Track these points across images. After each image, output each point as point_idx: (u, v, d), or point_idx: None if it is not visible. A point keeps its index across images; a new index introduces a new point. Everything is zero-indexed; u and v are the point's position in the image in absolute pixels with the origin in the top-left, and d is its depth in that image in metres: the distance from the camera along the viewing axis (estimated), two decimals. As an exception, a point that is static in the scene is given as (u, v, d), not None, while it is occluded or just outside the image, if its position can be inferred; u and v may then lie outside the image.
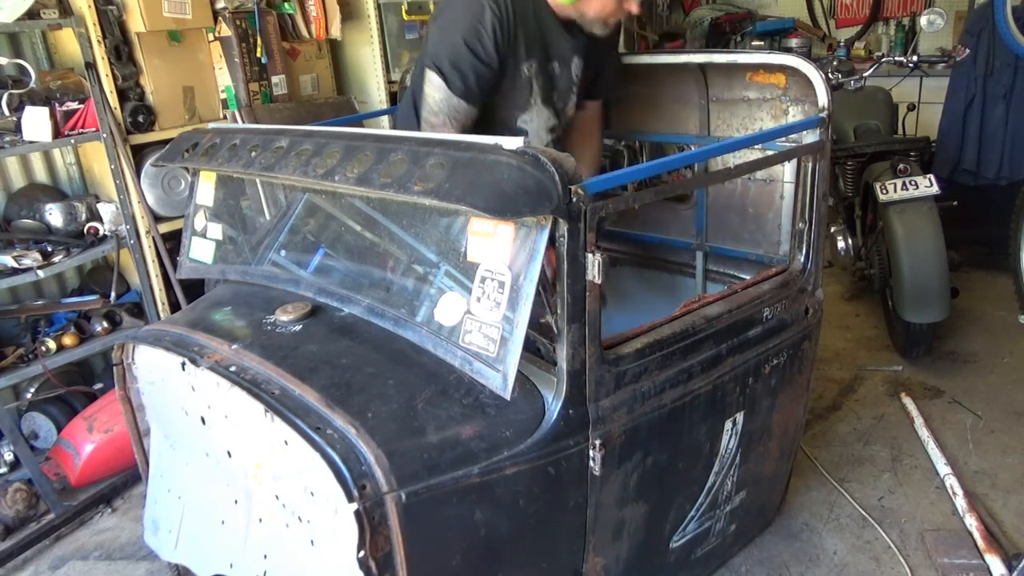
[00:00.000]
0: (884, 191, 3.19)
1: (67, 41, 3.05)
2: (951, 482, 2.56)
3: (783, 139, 2.30)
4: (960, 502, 2.47)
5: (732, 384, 1.88)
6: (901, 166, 3.25)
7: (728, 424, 1.92)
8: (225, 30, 3.32)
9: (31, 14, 2.81)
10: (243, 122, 3.33)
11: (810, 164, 1.96)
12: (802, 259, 2.04)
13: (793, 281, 2.01)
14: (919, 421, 2.94)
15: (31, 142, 2.86)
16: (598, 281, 1.46)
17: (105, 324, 3.11)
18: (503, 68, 2.08)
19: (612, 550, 1.74)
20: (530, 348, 1.63)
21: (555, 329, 1.50)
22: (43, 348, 2.92)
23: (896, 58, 3.21)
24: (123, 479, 2.93)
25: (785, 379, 2.05)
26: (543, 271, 1.42)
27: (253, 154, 1.83)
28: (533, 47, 2.10)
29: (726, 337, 1.83)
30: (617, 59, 2.45)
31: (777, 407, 2.07)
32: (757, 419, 2.01)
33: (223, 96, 3.44)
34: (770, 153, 2.33)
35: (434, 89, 2.04)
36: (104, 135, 3.00)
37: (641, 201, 1.68)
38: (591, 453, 1.56)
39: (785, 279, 2.01)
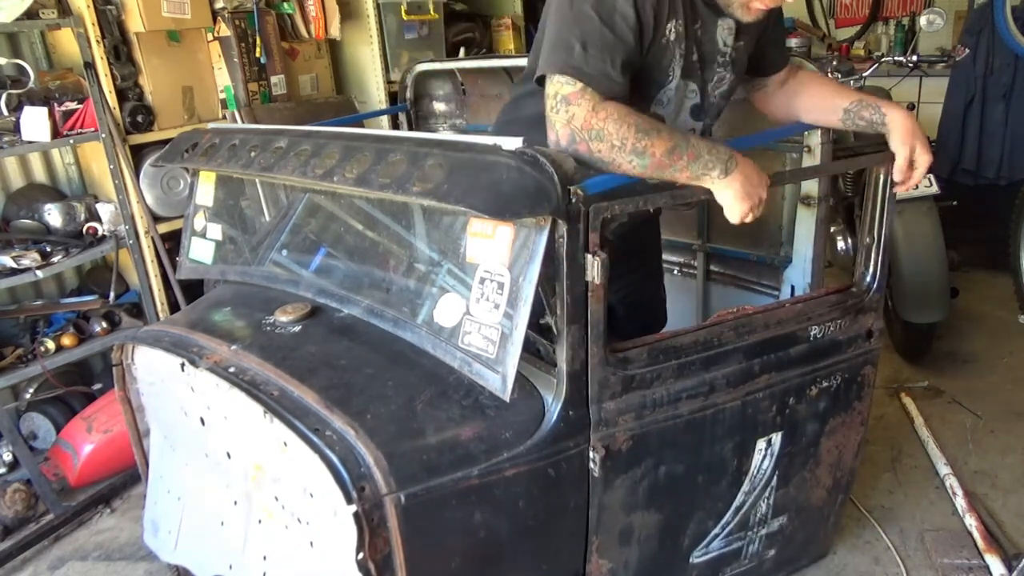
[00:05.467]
0: (884, 191, 3.18)
1: (66, 41, 3.05)
2: (951, 482, 2.56)
3: (785, 140, 2.30)
4: (960, 502, 2.47)
5: (767, 402, 1.78)
6: (901, 166, 3.25)
7: (761, 443, 1.83)
8: (224, 30, 3.32)
9: (30, 14, 2.80)
10: (242, 122, 3.33)
11: (882, 175, 1.85)
12: (868, 278, 1.91)
13: (854, 300, 1.88)
14: (919, 421, 2.94)
15: (30, 142, 2.85)
16: (598, 282, 1.45)
17: (104, 324, 3.11)
18: (652, 31, 1.59)
19: (619, 554, 1.72)
20: (530, 349, 1.62)
21: (555, 330, 1.50)
22: (42, 348, 2.91)
23: (896, 58, 3.21)
24: (122, 480, 2.93)
25: (838, 404, 1.93)
26: (541, 272, 1.41)
27: (252, 154, 1.82)
28: (677, 2, 1.62)
29: (760, 352, 1.74)
30: (782, 32, 2.01)
31: (827, 433, 1.95)
32: (800, 442, 1.90)
33: (222, 96, 3.43)
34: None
35: (573, 105, 1.50)
36: (103, 135, 3.00)
37: (656, 204, 1.60)
38: (591, 455, 1.55)
39: (842, 297, 1.88)
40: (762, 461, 1.85)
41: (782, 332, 1.77)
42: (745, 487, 1.86)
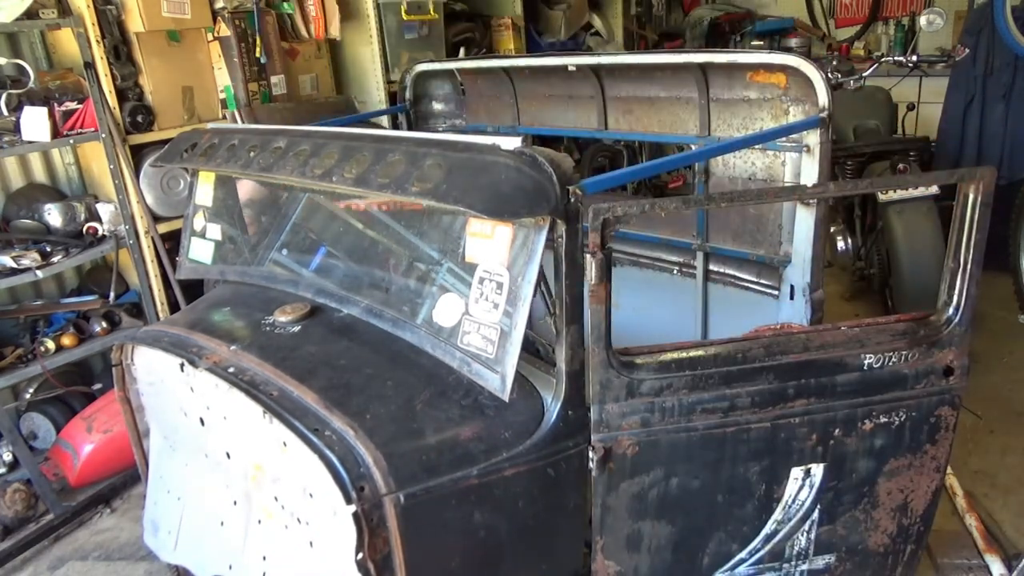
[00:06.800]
0: (884, 191, 3.18)
1: (66, 41, 3.05)
2: (951, 482, 2.56)
3: (785, 139, 2.30)
4: (960, 502, 2.47)
5: (805, 430, 1.66)
6: (901, 166, 3.25)
7: (797, 472, 1.70)
8: (224, 30, 3.32)
9: (30, 14, 2.81)
10: (242, 122, 3.33)
11: (971, 194, 1.74)
12: (951, 309, 1.70)
13: (928, 332, 1.69)
14: (919, 421, 2.94)
15: (30, 142, 2.85)
16: (595, 283, 1.45)
17: (104, 324, 3.11)
18: None
19: (628, 559, 1.69)
20: (530, 349, 1.62)
21: (555, 330, 1.50)
22: (42, 348, 2.91)
23: (896, 58, 3.21)
24: (122, 479, 2.93)
25: (902, 444, 1.74)
26: (541, 272, 1.41)
27: (252, 154, 1.83)
28: None
29: (796, 375, 1.62)
30: None
31: (887, 473, 1.77)
32: (848, 479, 1.75)
33: (222, 96, 3.43)
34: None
35: None
36: (103, 135, 3.00)
37: (665, 208, 1.57)
38: (589, 454, 1.55)
39: (912, 327, 1.69)
40: (798, 491, 1.73)
41: (825, 356, 1.62)
42: (777, 515, 1.75)
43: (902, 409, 1.71)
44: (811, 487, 1.73)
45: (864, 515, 1.82)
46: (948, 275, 1.71)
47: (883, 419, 1.70)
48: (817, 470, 1.71)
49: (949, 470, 2.60)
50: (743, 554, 1.78)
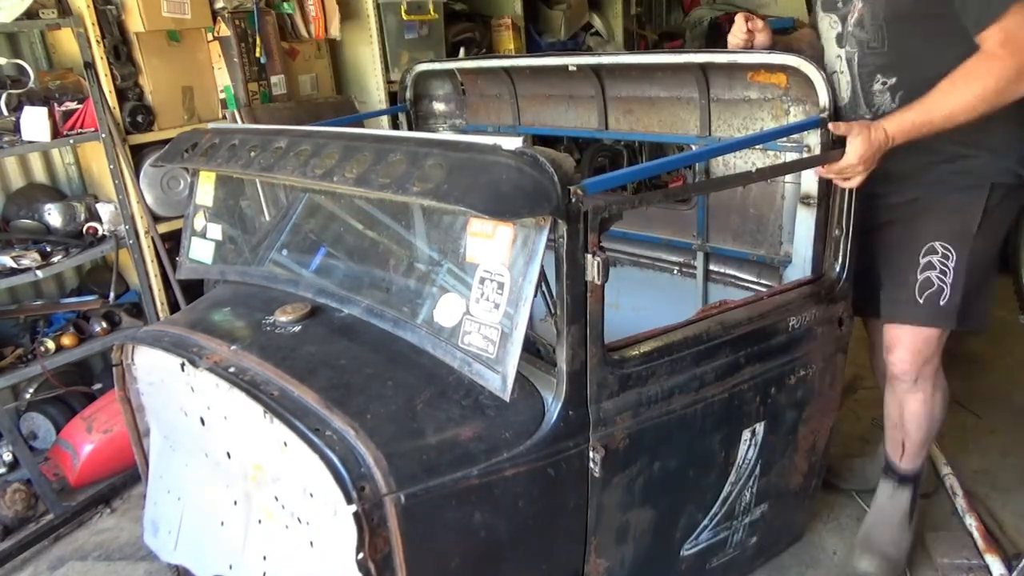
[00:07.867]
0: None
1: (66, 41, 3.05)
2: (951, 482, 2.56)
3: (785, 140, 2.30)
4: (960, 502, 2.46)
5: (751, 393, 1.84)
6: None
7: (746, 434, 1.88)
8: (224, 30, 3.32)
9: (30, 14, 2.80)
10: (242, 122, 3.33)
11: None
12: (837, 268, 1.99)
13: (826, 291, 1.96)
14: (919, 421, 2.93)
15: (30, 142, 2.85)
16: (598, 282, 1.45)
17: (104, 324, 3.11)
18: None
19: (616, 553, 1.73)
20: (530, 349, 1.62)
21: (555, 330, 1.50)
22: (42, 348, 2.91)
23: (896, 58, 3.20)
24: (122, 479, 2.93)
25: (814, 391, 2.00)
26: (542, 272, 1.42)
27: (252, 154, 1.83)
28: None
29: (745, 345, 1.79)
30: None
31: (803, 419, 2.02)
32: (780, 430, 1.96)
33: (222, 96, 3.43)
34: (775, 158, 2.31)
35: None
36: (103, 135, 3.00)
37: (650, 202, 1.69)
38: (591, 455, 1.55)
39: (816, 288, 1.96)
40: (747, 451, 1.90)
41: (765, 324, 1.84)
42: (732, 478, 1.90)
43: (813, 361, 1.96)
44: (755, 445, 1.92)
45: (788, 460, 2.05)
46: (833, 241, 1.98)
47: (802, 372, 1.94)
48: (760, 428, 1.90)
49: (949, 470, 2.60)
50: (705, 520, 1.93)
